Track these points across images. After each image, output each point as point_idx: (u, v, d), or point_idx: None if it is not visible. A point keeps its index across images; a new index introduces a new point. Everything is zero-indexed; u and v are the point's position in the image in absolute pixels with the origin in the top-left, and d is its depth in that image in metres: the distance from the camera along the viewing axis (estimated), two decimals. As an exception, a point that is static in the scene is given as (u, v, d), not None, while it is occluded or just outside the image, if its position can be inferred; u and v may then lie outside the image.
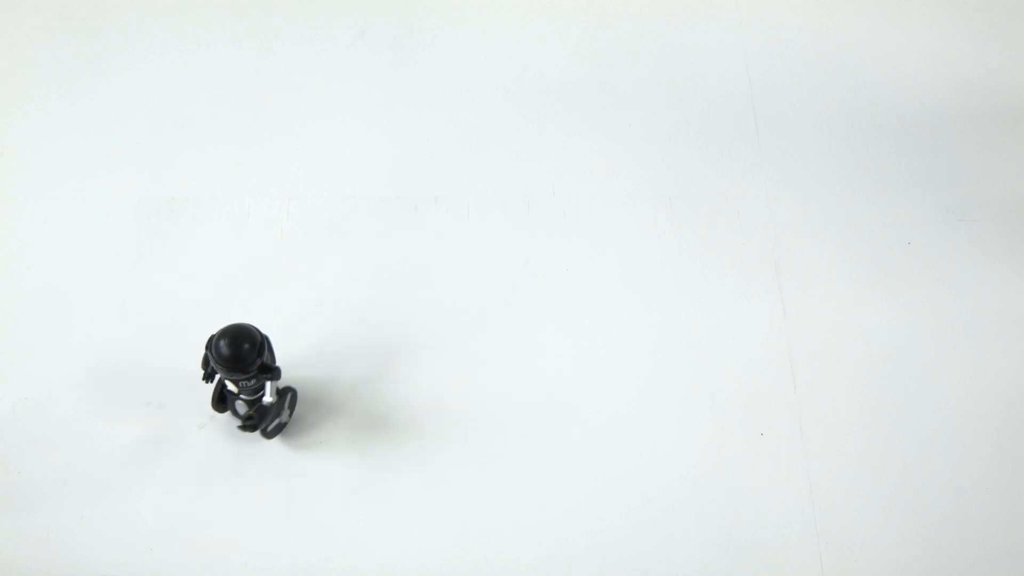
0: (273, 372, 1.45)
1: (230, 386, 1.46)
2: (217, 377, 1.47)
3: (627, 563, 1.48)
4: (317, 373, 1.61)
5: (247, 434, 1.53)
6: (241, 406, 1.51)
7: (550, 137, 1.85)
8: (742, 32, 1.98)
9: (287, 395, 1.52)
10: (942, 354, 1.65)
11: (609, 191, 1.79)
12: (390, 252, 1.72)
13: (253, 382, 1.44)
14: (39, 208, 1.74)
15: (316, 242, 1.72)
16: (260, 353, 1.40)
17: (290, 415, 1.56)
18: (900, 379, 1.63)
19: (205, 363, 1.44)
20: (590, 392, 1.61)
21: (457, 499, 1.52)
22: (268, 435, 1.53)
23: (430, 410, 1.58)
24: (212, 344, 1.39)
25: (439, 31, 1.96)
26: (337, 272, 1.70)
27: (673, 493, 1.53)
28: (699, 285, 1.70)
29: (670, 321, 1.67)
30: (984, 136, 1.87)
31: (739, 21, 1.99)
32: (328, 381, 1.60)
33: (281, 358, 1.58)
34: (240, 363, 1.38)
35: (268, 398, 1.46)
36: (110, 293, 1.66)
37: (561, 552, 1.49)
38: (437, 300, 1.68)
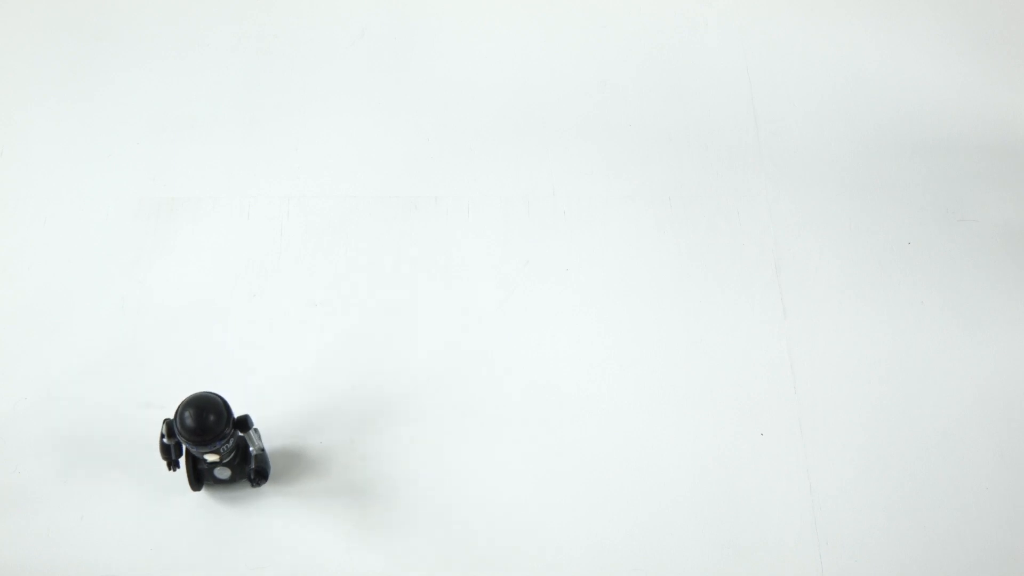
0: (246, 419, 1.39)
1: (210, 458, 1.39)
2: (182, 458, 1.41)
3: (626, 563, 1.48)
4: (319, 364, 1.61)
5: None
6: (221, 471, 1.44)
7: (550, 137, 1.85)
8: (742, 32, 1.98)
9: (251, 429, 1.43)
10: (942, 354, 1.65)
11: (609, 191, 1.79)
12: (389, 252, 1.72)
13: (232, 442, 1.38)
14: (39, 208, 1.74)
15: (316, 242, 1.72)
16: (229, 411, 1.35)
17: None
18: (900, 379, 1.63)
19: (166, 452, 1.38)
20: (589, 393, 1.61)
21: (455, 498, 1.52)
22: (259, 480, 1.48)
23: (428, 401, 1.58)
24: (179, 427, 1.33)
25: (439, 31, 1.97)
26: (336, 272, 1.70)
27: (673, 493, 1.53)
28: (699, 285, 1.70)
29: (670, 321, 1.67)
30: (984, 136, 1.87)
31: (739, 21, 1.99)
32: (331, 370, 1.60)
33: (276, 364, 1.58)
34: (214, 429, 1.33)
35: (258, 445, 1.43)
36: (110, 293, 1.66)
37: (561, 552, 1.49)
38: (436, 300, 1.68)
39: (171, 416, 1.38)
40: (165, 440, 1.38)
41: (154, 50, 1.92)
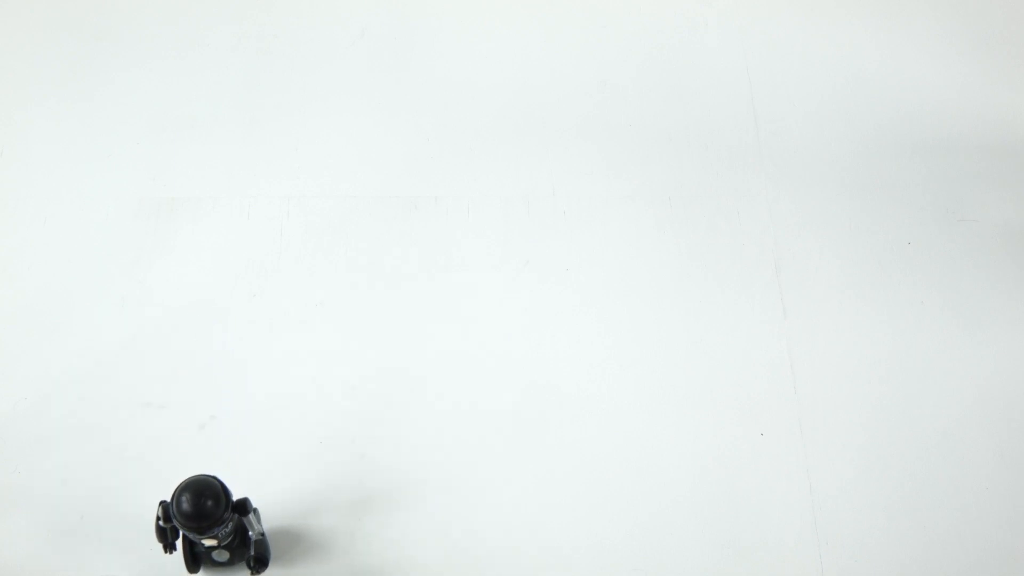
0: (245, 503, 1.31)
1: (207, 542, 1.32)
2: (179, 541, 1.36)
3: (626, 563, 1.48)
4: (319, 364, 1.61)
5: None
6: (219, 553, 1.37)
7: (550, 137, 1.85)
8: (742, 32, 1.98)
9: (250, 513, 1.35)
10: (942, 354, 1.65)
11: (609, 191, 1.79)
12: (390, 252, 1.72)
13: (230, 526, 1.32)
14: (39, 208, 1.74)
15: (316, 242, 1.72)
16: (227, 494, 1.29)
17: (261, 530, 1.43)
18: (900, 379, 1.63)
19: (163, 535, 1.32)
20: (589, 393, 1.61)
21: (453, 495, 1.52)
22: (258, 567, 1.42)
23: (427, 400, 1.58)
24: (175, 512, 1.26)
25: (439, 31, 1.96)
26: (336, 272, 1.70)
27: (673, 493, 1.53)
28: (699, 285, 1.70)
29: (670, 321, 1.67)
30: (984, 136, 1.87)
31: (739, 21, 1.99)
32: (330, 366, 1.60)
33: (275, 366, 1.58)
34: (212, 515, 1.27)
35: (258, 529, 1.38)
36: (110, 293, 1.66)
37: (561, 552, 1.49)
38: (436, 300, 1.68)
39: (167, 499, 1.32)
40: (161, 523, 1.32)
41: (154, 50, 1.92)
